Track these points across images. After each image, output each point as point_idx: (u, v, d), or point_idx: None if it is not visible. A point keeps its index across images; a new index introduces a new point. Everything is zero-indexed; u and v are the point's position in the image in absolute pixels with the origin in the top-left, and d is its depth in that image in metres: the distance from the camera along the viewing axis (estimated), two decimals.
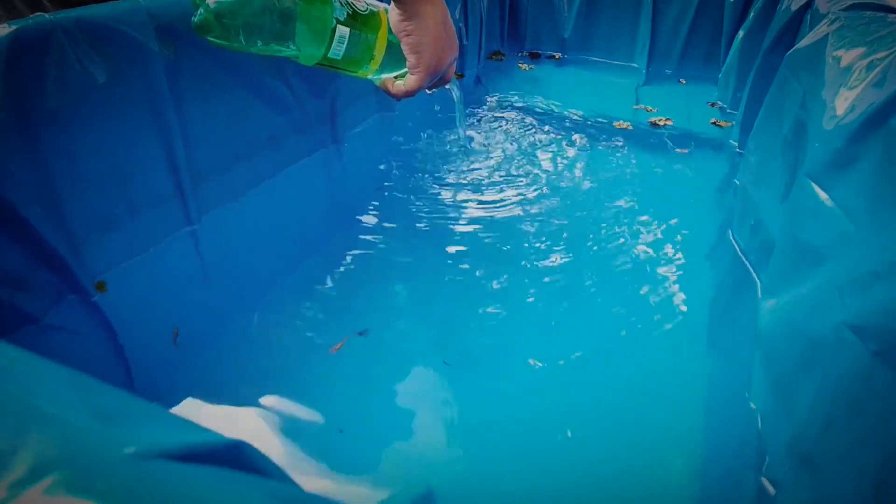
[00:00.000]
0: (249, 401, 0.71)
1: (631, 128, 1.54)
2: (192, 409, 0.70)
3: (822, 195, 0.60)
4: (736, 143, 1.39)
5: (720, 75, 1.75)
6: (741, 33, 1.52)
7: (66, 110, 0.69)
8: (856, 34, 0.72)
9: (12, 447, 0.13)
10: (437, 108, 1.62)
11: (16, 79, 0.64)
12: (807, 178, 0.64)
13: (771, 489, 0.54)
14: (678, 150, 1.44)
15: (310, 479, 0.62)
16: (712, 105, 1.72)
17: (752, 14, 1.45)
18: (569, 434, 0.68)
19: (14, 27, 0.64)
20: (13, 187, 0.65)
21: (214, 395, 0.72)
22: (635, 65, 2.01)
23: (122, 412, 0.16)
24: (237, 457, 0.17)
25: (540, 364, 0.78)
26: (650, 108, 1.62)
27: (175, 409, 0.69)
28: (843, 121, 0.59)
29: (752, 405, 0.69)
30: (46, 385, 0.16)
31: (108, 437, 0.14)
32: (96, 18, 0.70)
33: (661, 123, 1.53)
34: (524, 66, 2.06)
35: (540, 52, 2.15)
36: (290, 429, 0.67)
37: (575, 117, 1.63)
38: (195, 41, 0.81)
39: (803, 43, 0.83)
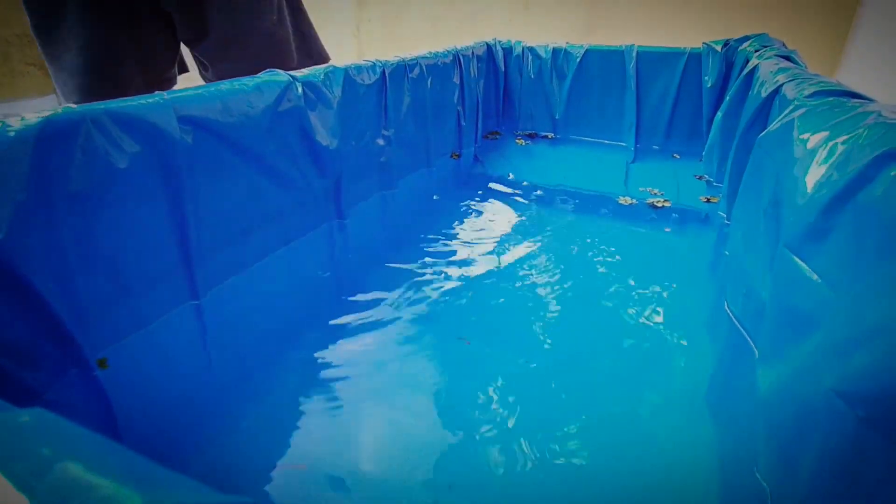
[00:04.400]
0: (250, 475, 0.70)
1: (636, 202, 1.60)
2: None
3: (802, 265, 0.62)
4: (724, 215, 1.45)
5: (704, 151, 1.85)
6: (719, 114, 1.62)
7: (88, 192, 0.73)
8: (820, 118, 0.78)
9: None
10: (435, 196, 1.70)
11: (42, 163, 0.69)
12: (786, 249, 0.67)
13: None
14: (672, 226, 1.49)
15: None
16: (699, 178, 1.80)
17: (727, 98, 1.56)
18: None
19: (44, 116, 0.70)
20: (31, 262, 0.68)
21: (214, 469, 0.71)
22: (624, 143, 2.13)
23: (149, 477, 0.18)
24: None
25: (541, 441, 0.77)
26: (654, 189, 1.70)
27: None
28: (814, 197, 0.64)
29: (761, 480, 0.67)
30: (81, 450, 0.17)
31: (137, 500, 0.16)
32: (125, 109, 0.76)
33: (660, 205, 1.60)
34: (521, 141, 2.18)
35: (534, 131, 2.28)
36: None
37: (572, 194, 1.70)
38: (213, 128, 0.88)
39: (773, 126, 0.90)
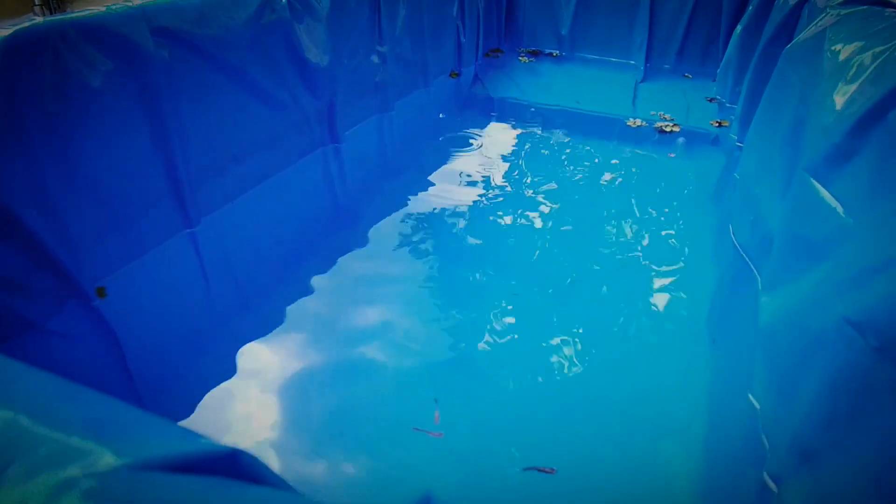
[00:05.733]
0: (252, 404, 0.71)
1: (644, 125, 1.53)
2: (194, 413, 0.70)
3: (821, 190, 0.59)
4: (735, 138, 1.39)
5: (718, 70, 1.75)
6: (739, 28, 1.51)
7: (62, 114, 0.69)
8: (854, 28, 0.71)
9: (5, 462, 0.13)
10: (441, 115, 1.62)
11: (10, 84, 0.64)
12: (806, 173, 0.64)
13: (773, 485, 0.54)
14: (680, 150, 1.44)
15: (310, 482, 0.62)
16: (711, 100, 1.71)
17: (750, 8, 1.45)
18: (570, 429, 0.68)
19: (8, 31, 0.64)
20: (10, 192, 0.65)
21: (217, 398, 0.72)
22: (633, 62, 2.01)
23: (116, 422, 0.16)
24: (233, 465, 0.17)
25: (543, 359, 0.78)
26: (663, 114, 1.61)
27: (177, 413, 0.69)
28: (842, 115, 0.59)
29: (754, 401, 0.69)
30: (39, 396, 0.16)
31: (101, 450, 0.14)
32: (92, 21, 0.69)
33: (668, 130, 1.52)
34: (524, 58, 2.06)
35: (538, 48, 2.15)
36: (292, 431, 0.67)
37: (578, 115, 1.63)
38: (191, 42, 0.81)
39: (802, 37, 0.83)
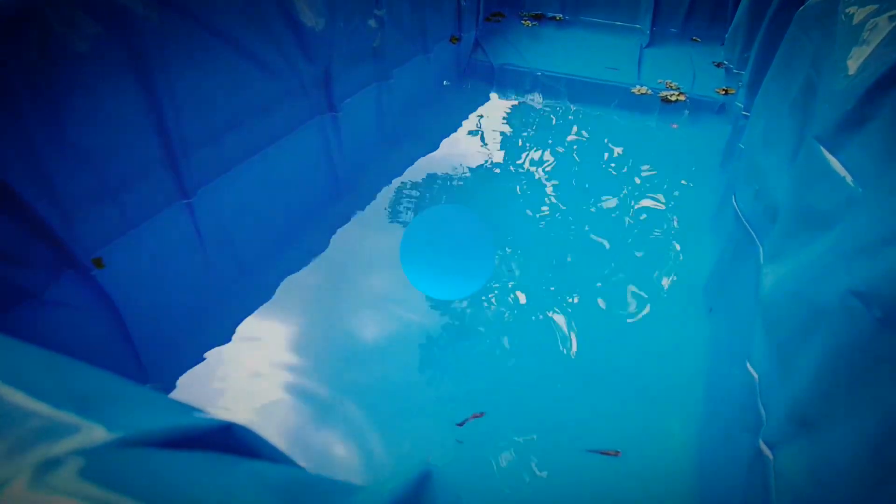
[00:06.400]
0: (251, 374, 0.72)
1: (650, 93, 1.50)
2: (195, 383, 0.70)
3: (830, 158, 0.58)
4: (742, 106, 1.36)
5: (727, 35, 1.70)
6: None
7: (52, 82, 0.67)
8: None
9: None
10: (445, 82, 1.58)
11: None
12: (815, 141, 0.62)
13: (768, 453, 0.55)
14: (685, 119, 1.41)
15: (309, 454, 0.62)
16: (718, 65, 1.67)
17: None
18: (567, 397, 0.69)
19: None
20: (1, 161, 0.63)
21: (215, 368, 0.73)
22: (639, 25, 1.95)
23: (106, 396, 0.15)
24: (229, 438, 0.17)
25: (540, 330, 0.78)
26: (669, 82, 1.57)
27: (179, 383, 0.70)
28: (855, 81, 0.57)
29: (752, 370, 0.69)
30: (26, 369, 0.15)
31: (91, 424, 0.14)
32: None
33: (673, 99, 1.49)
34: (527, 22, 2.00)
35: (541, 12, 2.08)
36: (290, 403, 0.68)
37: (582, 83, 1.59)
38: (181, 4, 0.78)
39: None
